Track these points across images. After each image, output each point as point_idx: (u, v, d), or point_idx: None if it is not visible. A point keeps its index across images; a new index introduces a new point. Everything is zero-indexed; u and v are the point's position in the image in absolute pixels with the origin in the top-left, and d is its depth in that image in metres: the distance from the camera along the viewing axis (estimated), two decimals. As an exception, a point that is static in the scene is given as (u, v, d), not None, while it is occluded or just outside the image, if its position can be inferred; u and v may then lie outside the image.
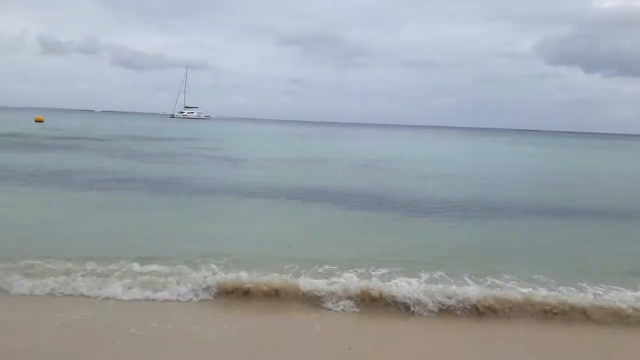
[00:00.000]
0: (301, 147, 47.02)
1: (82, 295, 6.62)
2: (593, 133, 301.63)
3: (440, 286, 6.93)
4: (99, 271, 7.20)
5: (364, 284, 6.87)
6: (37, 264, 7.40)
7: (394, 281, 7.05)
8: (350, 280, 7.04)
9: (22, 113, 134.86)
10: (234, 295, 6.74)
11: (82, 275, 7.03)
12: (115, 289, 6.68)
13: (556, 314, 6.48)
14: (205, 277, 6.97)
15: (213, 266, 7.51)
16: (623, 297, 6.79)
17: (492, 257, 9.23)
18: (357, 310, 6.50)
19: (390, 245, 10.04)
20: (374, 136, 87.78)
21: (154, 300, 6.58)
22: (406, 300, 6.52)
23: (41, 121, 71.68)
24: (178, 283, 6.85)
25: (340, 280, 7.01)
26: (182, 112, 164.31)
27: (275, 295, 6.73)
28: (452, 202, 15.72)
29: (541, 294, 6.83)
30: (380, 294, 6.62)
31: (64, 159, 24.77)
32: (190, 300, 6.62)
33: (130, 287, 6.75)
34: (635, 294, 6.95)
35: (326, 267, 7.79)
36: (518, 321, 6.38)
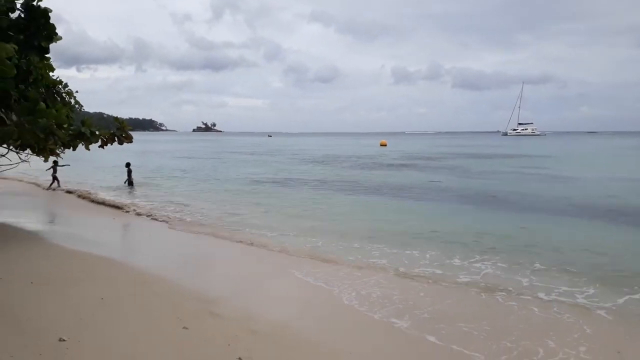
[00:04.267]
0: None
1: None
2: None
3: None
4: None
5: None
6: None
7: None
8: None
9: (370, 138, 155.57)
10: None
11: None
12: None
13: None
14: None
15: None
16: None
17: None
18: None
19: None
20: None
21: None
22: None
23: (384, 145, 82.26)
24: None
25: None
26: (514, 129, 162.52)
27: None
28: None
29: None
30: None
31: (403, 175, 29.29)
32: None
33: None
34: None
35: None
36: None
